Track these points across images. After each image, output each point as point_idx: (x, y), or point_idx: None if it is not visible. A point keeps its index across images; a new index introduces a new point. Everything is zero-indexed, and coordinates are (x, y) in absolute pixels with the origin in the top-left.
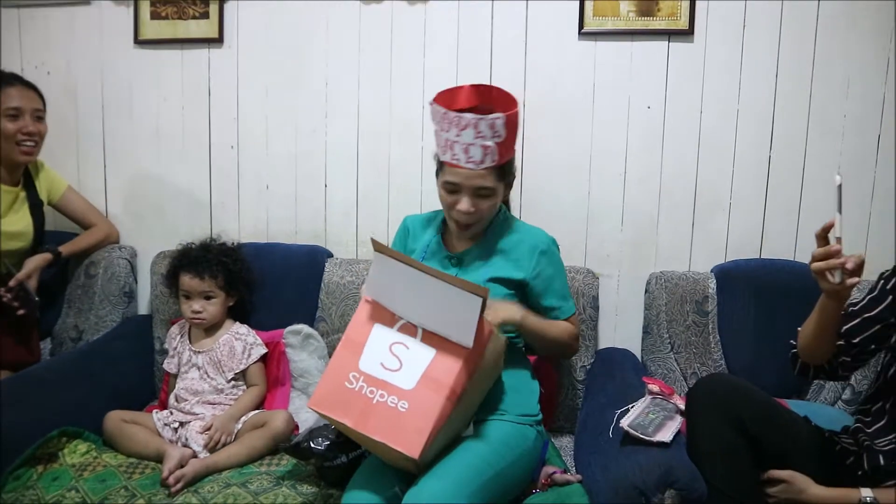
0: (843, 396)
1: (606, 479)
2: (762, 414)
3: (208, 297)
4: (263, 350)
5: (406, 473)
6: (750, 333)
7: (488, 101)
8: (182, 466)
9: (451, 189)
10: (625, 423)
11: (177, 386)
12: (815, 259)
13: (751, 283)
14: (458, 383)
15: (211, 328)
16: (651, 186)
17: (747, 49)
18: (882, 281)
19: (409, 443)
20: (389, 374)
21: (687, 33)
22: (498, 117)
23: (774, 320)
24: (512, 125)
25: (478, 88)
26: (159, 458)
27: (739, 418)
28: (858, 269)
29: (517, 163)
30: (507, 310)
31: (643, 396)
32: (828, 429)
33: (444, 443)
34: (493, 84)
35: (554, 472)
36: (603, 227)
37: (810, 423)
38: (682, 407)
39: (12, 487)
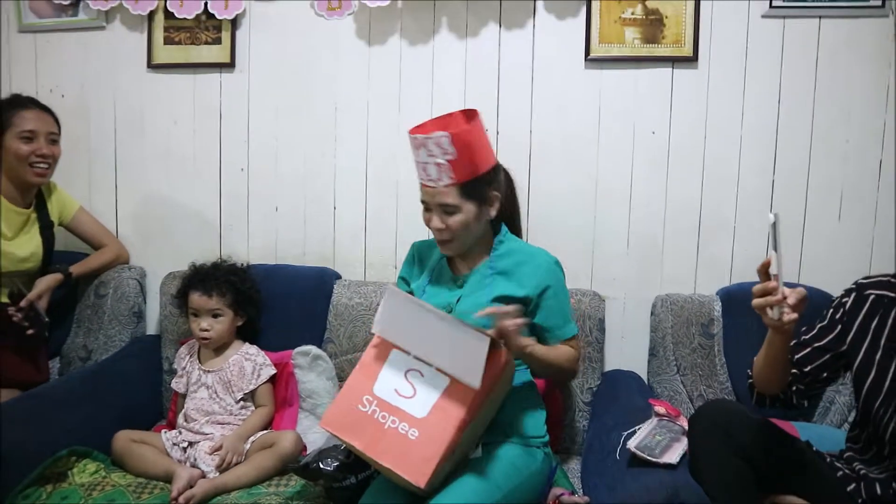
0: (850, 419)
1: (613, 501)
2: (763, 440)
3: (216, 316)
4: (272, 371)
5: (415, 495)
6: (755, 355)
7: (447, 125)
8: (191, 487)
9: (425, 207)
10: (632, 444)
11: (186, 405)
12: (754, 295)
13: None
14: (470, 413)
15: (220, 348)
16: (656, 210)
17: (750, 75)
18: (832, 310)
19: (417, 471)
20: (403, 400)
21: (691, 60)
22: (443, 136)
23: None
24: (461, 143)
25: (442, 117)
26: (168, 479)
27: (741, 445)
28: (800, 305)
29: (523, 185)
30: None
31: (649, 418)
32: (834, 452)
33: (452, 467)
34: (500, 107)
35: (561, 494)
36: (609, 251)
37: (812, 449)
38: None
39: None
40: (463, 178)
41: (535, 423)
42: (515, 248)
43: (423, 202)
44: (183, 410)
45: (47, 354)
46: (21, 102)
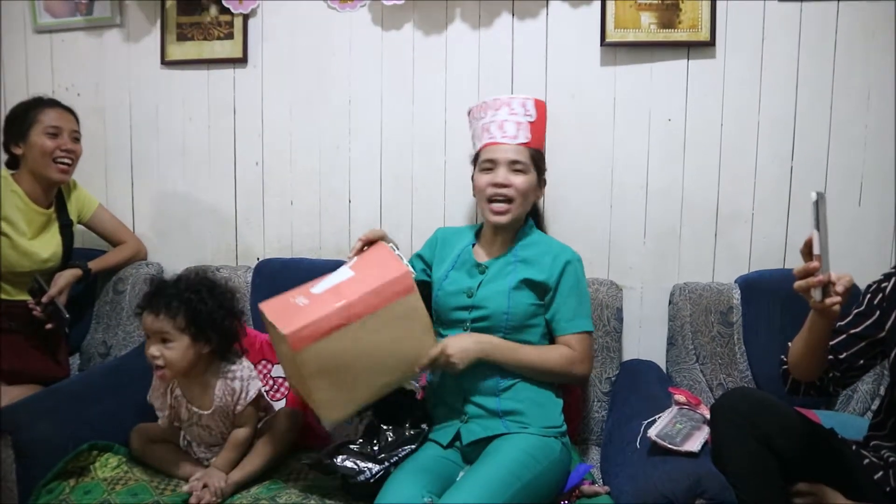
0: (874, 406)
1: (634, 490)
2: (787, 428)
3: (164, 341)
4: (260, 384)
5: (435, 487)
6: (775, 343)
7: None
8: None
9: (487, 168)
10: (652, 433)
11: (184, 434)
12: (796, 277)
13: (775, 294)
14: (359, 303)
15: (197, 379)
16: (673, 198)
17: (767, 60)
18: (869, 295)
19: (288, 323)
20: (313, 284)
21: (708, 45)
22: (528, 98)
23: (798, 330)
24: (542, 110)
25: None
26: (187, 479)
27: (765, 433)
28: (845, 293)
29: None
30: (468, 352)
31: (669, 407)
32: (858, 440)
33: (369, 392)
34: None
35: (582, 484)
36: (625, 240)
37: (837, 436)
38: (709, 417)
39: (45, 500)
40: (537, 143)
41: (552, 412)
42: (539, 241)
43: (486, 162)
44: (183, 437)
45: (67, 350)
46: (45, 101)
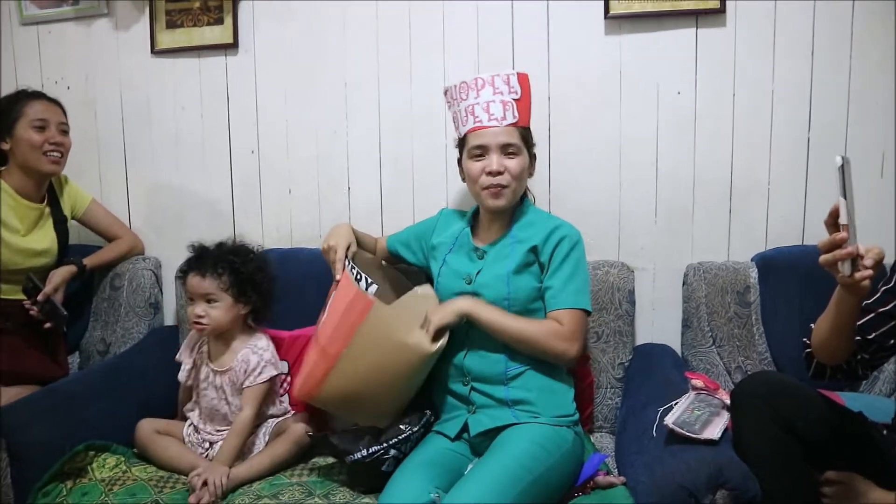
0: None
1: (652, 481)
2: (812, 413)
3: (210, 301)
4: (275, 372)
5: (443, 480)
6: (795, 323)
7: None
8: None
9: (478, 155)
10: (669, 420)
11: (200, 402)
12: (821, 250)
13: (794, 271)
14: (331, 342)
15: (227, 340)
16: (684, 175)
17: (781, 25)
18: None
19: (296, 384)
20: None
21: (718, 12)
22: (511, 73)
23: (821, 309)
24: (525, 85)
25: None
26: (188, 473)
27: (788, 419)
28: (876, 266)
29: (544, 156)
30: (448, 307)
31: (686, 393)
32: (887, 422)
33: (399, 395)
34: None
35: (596, 475)
36: (636, 219)
37: (866, 420)
38: (729, 402)
39: (43, 503)
40: (524, 121)
41: (563, 401)
42: (537, 219)
43: (475, 148)
44: (198, 407)
45: (66, 349)
46: (29, 94)
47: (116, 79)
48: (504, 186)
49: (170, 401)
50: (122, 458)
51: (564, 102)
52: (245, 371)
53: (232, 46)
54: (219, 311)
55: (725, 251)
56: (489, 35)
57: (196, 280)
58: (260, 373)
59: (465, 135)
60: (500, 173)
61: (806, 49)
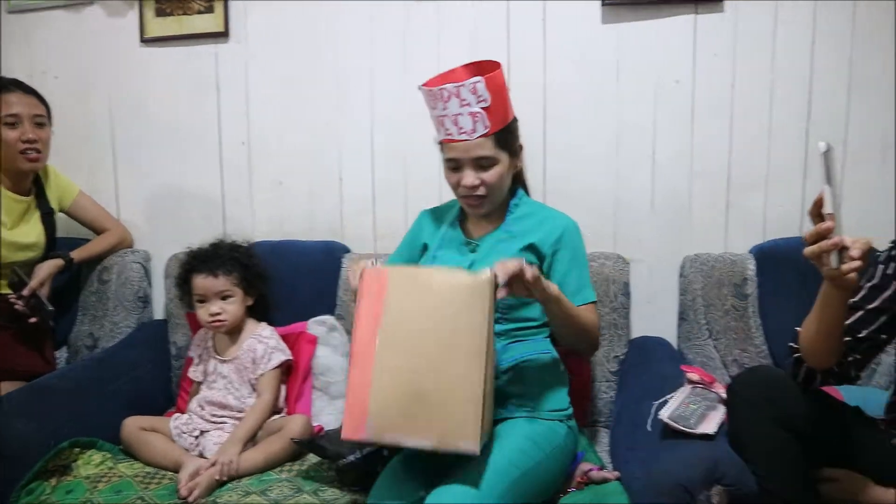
0: None
1: (647, 476)
2: (810, 408)
3: (225, 297)
4: (284, 357)
5: (431, 478)
6: (793, 316)
7: (476, 73)
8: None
9: (453, 167)
10: (664, 414)
11: (201, 393)
12: (806, 242)
13: (793, 264)
14: (358, 373)
15: (234, 332)
16: (682, 165)
17: (781, 13)
18: (881, 266)
19: (345, 431)
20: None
21: None
22: (478, 80)
23: None
24: (496, 88)
25: (465, 66)
26: (177, 469)
27: (785, 414)
28: (864, 257)
29: (539, 145)
30: (514, 262)
31: (682, 386)
32: (883, 417)
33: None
34: (512, 63)
35: (590, 470)
36: (632, 210)
37: (863, 415)
38: (725, 396)
39: (26, 502)
40: (498, 126)
41: (557, 394)
42: (532, 211)
43: (449, 161)
44: (197, 396)
45: (53, 344)
46: (3, 85)
47: (105, 68)
48: (482, 197)
49: (159, 396)
50: (109, 455)
51: (560, 92)
52: (253, 360)
53: (223, 35)
54: (234, 305)
55: (723, 242)
56: (484, 24)
57: (209, 280)
58: (269, 360)
59: (441, 142)
60: (475, 187)
61: (806, 37)
